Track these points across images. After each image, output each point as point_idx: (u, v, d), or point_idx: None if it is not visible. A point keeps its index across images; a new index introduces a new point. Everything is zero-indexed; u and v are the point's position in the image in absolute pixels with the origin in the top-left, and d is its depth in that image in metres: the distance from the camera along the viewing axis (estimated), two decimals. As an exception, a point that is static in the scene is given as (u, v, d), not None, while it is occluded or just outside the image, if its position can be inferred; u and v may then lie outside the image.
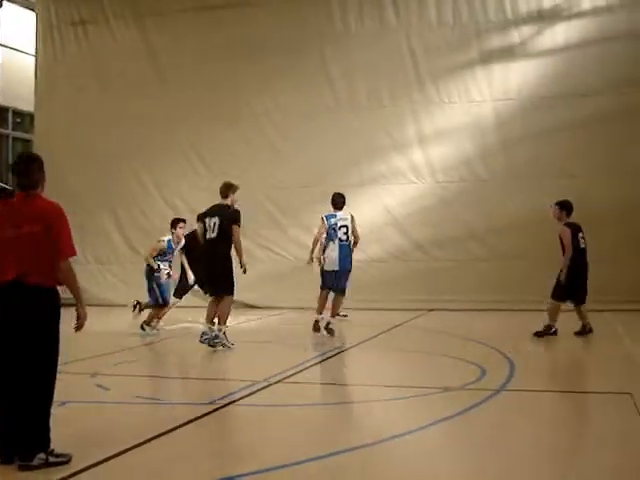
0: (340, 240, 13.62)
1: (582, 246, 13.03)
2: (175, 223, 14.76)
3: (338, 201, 13.97)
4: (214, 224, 11.82)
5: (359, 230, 14.02)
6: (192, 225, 15.38)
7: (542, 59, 19.39)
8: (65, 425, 6.44)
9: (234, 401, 8.01)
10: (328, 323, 13.61)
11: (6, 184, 20.14)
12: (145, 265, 14.53)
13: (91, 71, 22.32)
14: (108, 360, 11.00)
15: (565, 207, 13.22)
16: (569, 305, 13.26)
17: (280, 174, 20.37)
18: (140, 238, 21.48)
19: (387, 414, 7.85)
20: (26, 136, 24.32)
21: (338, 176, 19.52)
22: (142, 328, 14.17)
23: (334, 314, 13.93)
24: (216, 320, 11.94)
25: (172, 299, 14.80)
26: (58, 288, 5.89)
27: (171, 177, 21.65)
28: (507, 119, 19.33)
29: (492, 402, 7.93)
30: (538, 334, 13.00)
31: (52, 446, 5.68)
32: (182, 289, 15.21)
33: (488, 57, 19.65)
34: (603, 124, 18.34)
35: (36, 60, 23.24)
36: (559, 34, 19.29)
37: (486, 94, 19.59)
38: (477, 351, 11.70)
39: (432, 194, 19.79)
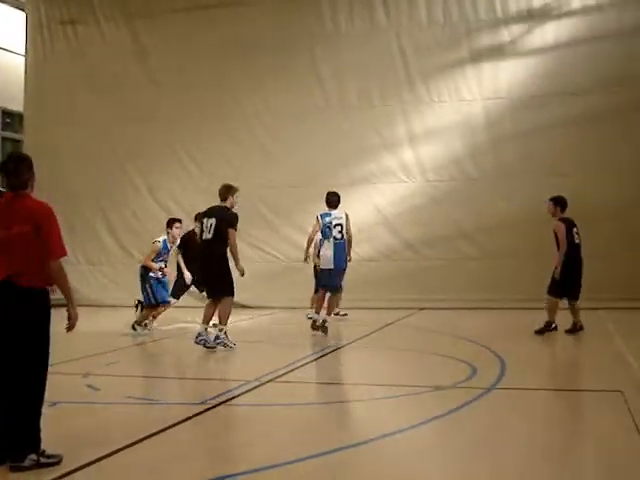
0: (335, 239, 13.62)
1: (576, 241, 13.13)
2: (171, 223, 14.68)
3: (332, 200, 13.98)
4: (210, 225, 11.79)
5: (353, 230, 14.04)
6: (188, 225, 15.43)
7: (532, 58, 19.45)
8: (56, 425, 6.44)
9: (225, 401, 8.00)
10: (324, 321, 13.62)
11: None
12: (140, 266, 14.50)
13: (81, 72, 22.27)
14: (99, 360, 10.99)
15: (559, 203, 13.34)
16: (564, 302, 13.34)
17: (271, 174, 20.36)
18: (131, 239, 21.54)
19: (378, 413, 7.85)
20: (16, 136, 24.24)
21: (329, 176, 19.56)
22: (133, 328, 14.16)
23: (329, 312, 13.97)
24: (216, 321, 11.94)
25: (171, 300, 14.76)
26: (48, 289, 5.88)
27: (163, 178, 21.64)
28: (497, 118, 19.38)
29: (483, 401, 7.94)
30: (538, 332, 13.14)
31: (43, 447, 5.67)
32: (179, 289, 15.15)
33: (478, 56, 19.70)
34: (593, 123, 18.41)
35: (26, 60, 23.18)
36: (549, 33, 19.35)
37: (476, 93, 19.64)
38: (468, 349, 11.71)
39: (422, 193, 19.84)
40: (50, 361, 5.89)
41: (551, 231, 13.17)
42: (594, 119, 18.38)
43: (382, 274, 19.34)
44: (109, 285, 21.58)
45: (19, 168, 5.90)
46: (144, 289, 14.33)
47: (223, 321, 11.82)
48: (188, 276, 14.73)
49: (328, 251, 13.66)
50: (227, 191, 12.12)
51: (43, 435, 5.70)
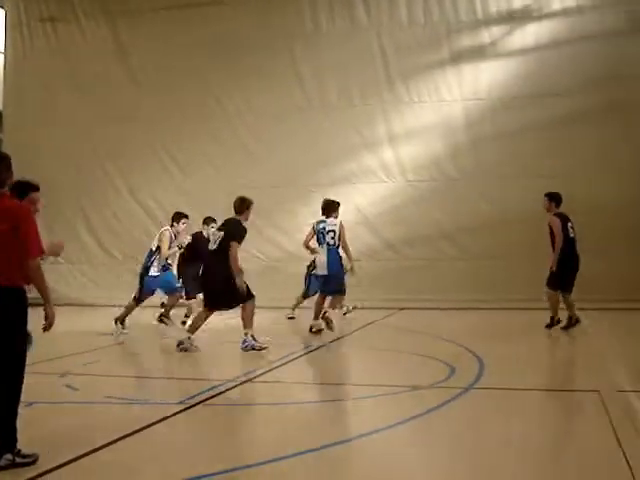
0: (328, 244, 13.75)
1: (571, 235, 13.53)
2: (178, 218, 14.48)
3: (326, 207, 14.09)
4: (219, 237, 11.66)
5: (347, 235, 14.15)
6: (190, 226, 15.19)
7: (512, 59, 19.52)
8: (33, 425, 6.42)
9: (203, 400, 7.98)
10: (325, 312, 13.79)
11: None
12: (143, 267, 14.20)
13: (61, 70, 22.13)
14: (78, 360, 10.93)
15: (554, 198, 13.77)
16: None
17: (253, 174, 20.27)
18: (111, 238, 21.49)
19: (355, 413, 7.88)
20: (-6, 135, 24.09)
21: (309, 176, 19.65)
22: (162, 321, 14.09)
23: (333, 308, 14.15)
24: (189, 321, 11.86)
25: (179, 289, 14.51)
26: (25, 288, 5.86)
27: (143, 178, 21.53)
28: (477, 119, 19.45)
29: (461, 400, 7.97)
30: (564, 328, 13.59)
31: (19, 446, 5.64)
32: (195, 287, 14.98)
33: (458, 57, 19.75)
34: (573, 124, 18.49)
35: (5, 57, 23.03)
36: (529, 34, 19.43)
37: (456, 94, 19.70)
38: (447, 350, 11.74)
39: (403, 193, 19.87)
40: (27, 360, 5.86)
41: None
42: (575, 120, 18.46)
43: (362, 274, 19.12)
44: (88, 284, 21.49)
45: (-3, 167, 5.88)
46: (140, 284, 14.13)
47: (247, 325, 11.61)
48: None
49: (322, 257, 13.81)
50: (242, 204, 11.96)
51: (19, 435, 5.67)
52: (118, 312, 14.24)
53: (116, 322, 14.03)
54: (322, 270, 13.88)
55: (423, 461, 6.03)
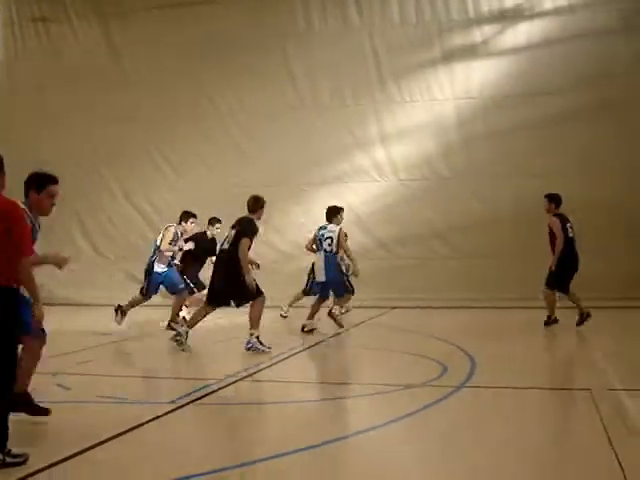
0: (325, 251, 13.91)
1: (570, 235, 13.76)
2: (186, 217, 14.52)
3: (328, 213, 14.24)
4: (231, 236, 11.68)
5: (348, 243, 14.37)
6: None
7: (504, 58, 19.56)
8: (23, 425, 6.41)
9: (194, 400, 7.97)
10: (330, 310, 14.20)
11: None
12: (147, 263, 14.13)
13: (53, 70, 22.07)
14: (70, 359, 10.90)
15: (554, 200, 13.99)
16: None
17: (246, 173, 20.24)
18: (106, 241, 21.52)
19: (348, 412, 7.89)
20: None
21: (301, 175, 19.69)
22: (170, 327, 13.68)
23: (339, 305, 14.45)
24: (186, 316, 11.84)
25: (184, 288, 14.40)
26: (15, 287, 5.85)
27: (136, 178, 21.50)
28: (469, 118, 19.48)
29: (453, 398, 7.98)
30: (547, 323, 13.92)
31: (9, 446, 5.62)
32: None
33: (450, 56, 19.78)
34: (565, 123, 18.53)
35: (-3, 57, 23.02)
36: (521, 33, 19.46)
37: (448, 93, 19.73)
38: (439, 348, 11.76)
39: (395, 192, 19.91)
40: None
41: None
42: (567, 119, 18.50)
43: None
44: (82, 284, 21.41)
45: (-10, 167, 5.87)
46: (145, 280, 14.08)
47: (254, 325, 11.50)
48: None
49: (320, 263, 14.00)
50: (256, 203, 11.92)
51: (9, 434, 5.66)
52: (112, 313, 14.23)
53: (116, 311, 14.03)
54: (320, 277, 14.09)
55: (416, 459, 6.03)
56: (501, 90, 19.30)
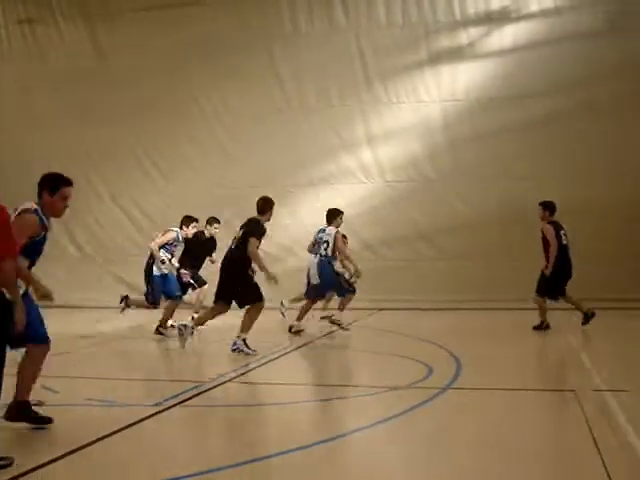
0: (320, 255, 14.06)
1: (564, 242, 13.85)
2: (188, 221, 14.51)
3: (327, 216, 14.46)
4: (239, 236, 11.73)
5: (346, 245, 14.75)
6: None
7: (490, 60, 19.59)
8: (10, 428, 6.40)
9: (181, 402, 7.97)
10: (331, 315, 14.50)
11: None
12: (145, 261, 14.12)
13: (39, 72, 21.95)
14: (58, 362, 10.85)
15: (548, 207, 14.06)
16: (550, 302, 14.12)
17: (232, 175, 20.26)
18: (93, 243, 21.47)
19: (333, 413, 7.90)
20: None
21: (288, 176, 19.67)
22: (159, 332, 13.69)
23: (341, 310, 14.66)
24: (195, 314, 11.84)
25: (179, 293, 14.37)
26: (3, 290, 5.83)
27: (124, 180, 21.40)
28: (455, 120, 19.51)
29: (438, 400, 8.01)
30: (537, 328, 13.96)
31: (-6, 450, 5.63)
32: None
33: (437, 58, 19.81)
34: (551, 125, 18.59)
35: (-18, 59, 22.90)
36: (507, 36, 19.50)
37: (434, 94, 19.76)
38: (425, 350, 11.78)
39: (381, 194, 19.93)
40: (7, 362, 5.84)
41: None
42: (554, 121, 18.56)
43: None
44: (70, 286, 21.33)
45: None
46: (147, 287, 14.06)
47: (244, 328, 11.49)
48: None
49: (314, 266, 14.16)
50: (264, 204, 12.00)
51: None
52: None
53: (122, 300, 14.28)
54: (314, 279, 14.21)
55: (401, 460, 6.03)
56: (487, 92, 19.34)
